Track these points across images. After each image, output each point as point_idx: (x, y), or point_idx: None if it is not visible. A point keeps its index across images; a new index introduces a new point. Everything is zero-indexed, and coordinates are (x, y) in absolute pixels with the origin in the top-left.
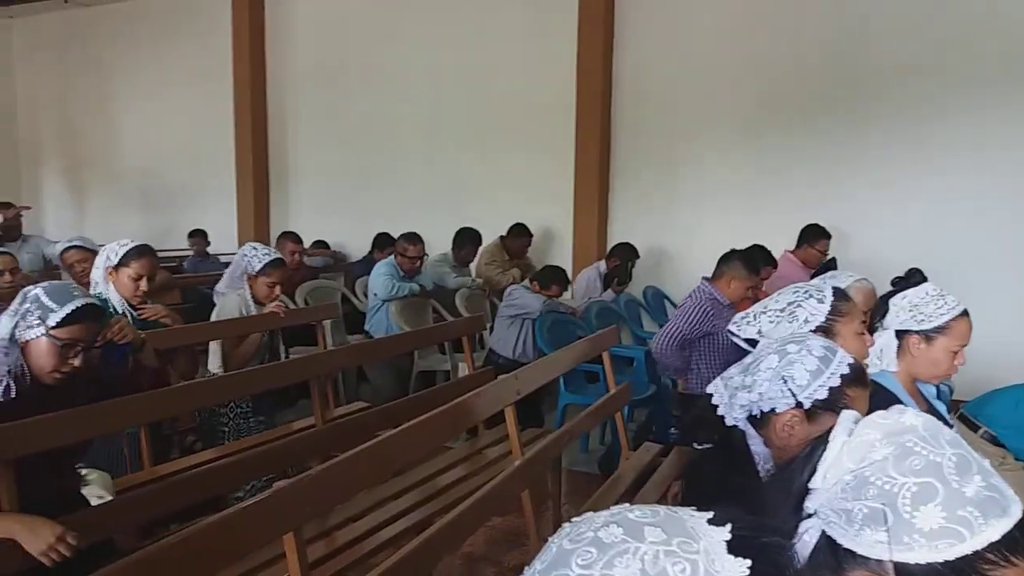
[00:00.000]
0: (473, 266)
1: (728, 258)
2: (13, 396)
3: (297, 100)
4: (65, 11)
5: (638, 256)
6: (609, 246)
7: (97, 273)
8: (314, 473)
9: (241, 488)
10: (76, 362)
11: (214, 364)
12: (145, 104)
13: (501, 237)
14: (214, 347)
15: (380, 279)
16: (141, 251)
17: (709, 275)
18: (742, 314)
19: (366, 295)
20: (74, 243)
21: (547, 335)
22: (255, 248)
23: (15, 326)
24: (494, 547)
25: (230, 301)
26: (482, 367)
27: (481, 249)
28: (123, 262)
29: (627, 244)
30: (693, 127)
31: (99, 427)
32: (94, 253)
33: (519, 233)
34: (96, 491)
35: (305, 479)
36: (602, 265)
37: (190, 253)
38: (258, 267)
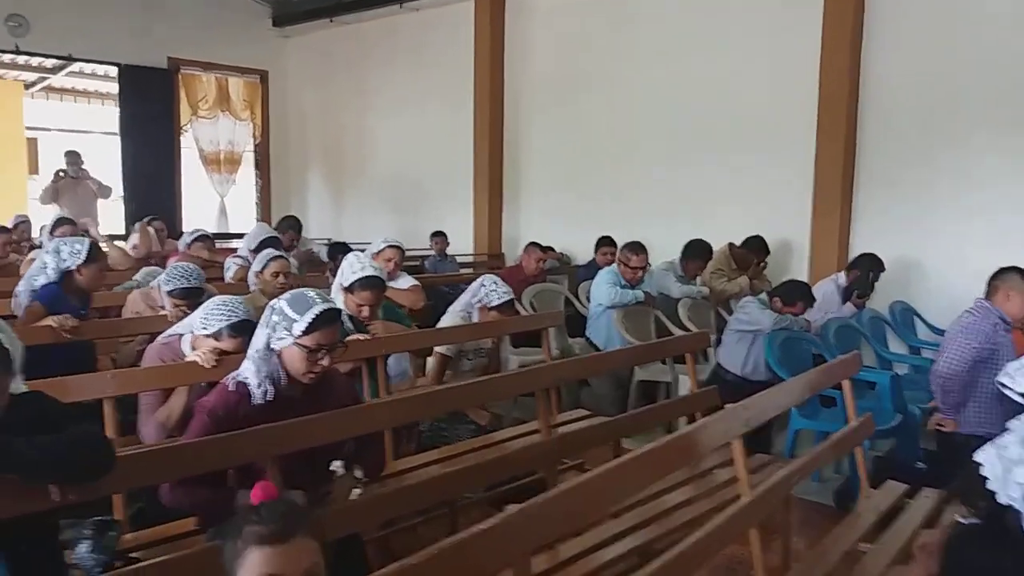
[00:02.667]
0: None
1: (1001, 271)
2: (271, 399)
3: (531, 110)
4: (330, 29)
5: (883, 268)
6: (851, 257)
7: (334, 286)
8: (541, 501)
9: (472, 491)
10: (325, 362)
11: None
12: (396, 114)
13: (730, 245)
14: (431, 361)
15: (603, 287)
16: (365, 284)
17: (980, 295)
18: (1017, 363)
19: (589, 299)
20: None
21: (778, 353)
22: (496, 284)
23: (268, 337)
24: None
25: (456, 323)
26: (707, 382)
27: None
28: (350, 288)
29: (870, 255)
30: (954, 131)
31: (350, 429)
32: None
33: (754, 247)
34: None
35: (533, 506)
36: (841, 277)
37: (431, 253)
38: (495, 303)
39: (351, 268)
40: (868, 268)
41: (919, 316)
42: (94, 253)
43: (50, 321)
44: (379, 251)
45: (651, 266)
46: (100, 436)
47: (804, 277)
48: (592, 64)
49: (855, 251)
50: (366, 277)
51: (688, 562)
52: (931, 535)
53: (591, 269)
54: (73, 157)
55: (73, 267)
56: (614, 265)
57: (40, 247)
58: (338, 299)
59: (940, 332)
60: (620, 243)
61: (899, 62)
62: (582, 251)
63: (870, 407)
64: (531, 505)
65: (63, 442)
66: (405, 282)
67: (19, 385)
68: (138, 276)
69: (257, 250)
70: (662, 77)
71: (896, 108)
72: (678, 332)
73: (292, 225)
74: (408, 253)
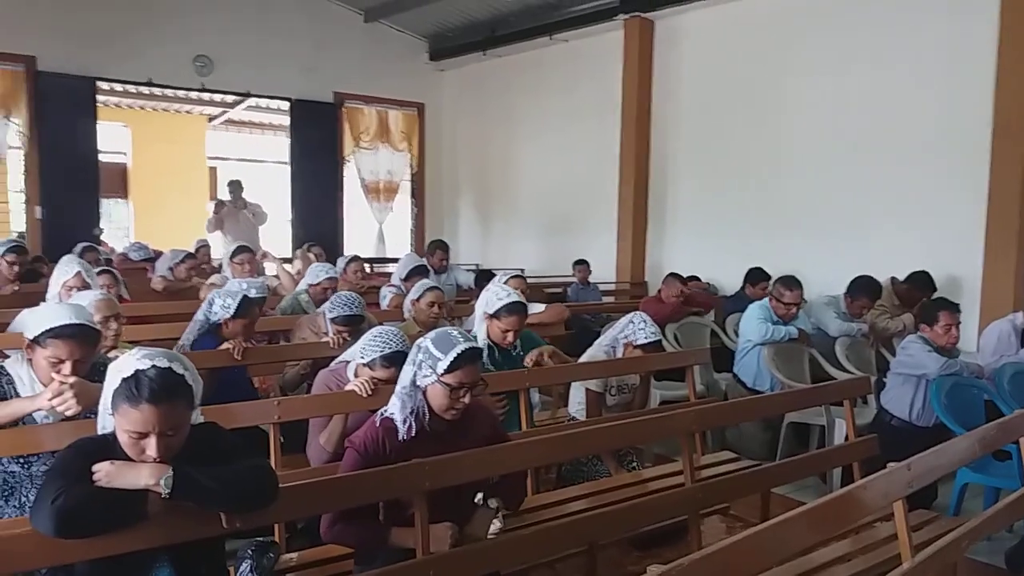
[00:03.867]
0: None
1: None
2: (415, 434)
3: (678, 136)
4: (483, 61)
5: None
6: None
7: (476, 314)
8: (687, 563)
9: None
10: (466, 400)
11: (574, 406)
12: (543, 142)
13: (893, 280)
14: (575, 394)
15: (753, 322)
16: (511, 310)
17: None
18: None
19: (736, 333)
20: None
21: (945, 400)
22: (645, 323)
23: (414, 374)
24: None
25: (600, 357)
26: (870, 426)
27: None
28: (496, 315)
29: None
30: None
31: (497, 467)
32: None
33: (919, 284)
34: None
35: (679, 569)
36: (1018, 317)
37: (574, 281)
38: (641, 341)
39: (496, 296)
40: None
41: None
42: (243, 309)
43: (227, 345)
44: (505, 281)
45: (805, 301)
46: (267, 470)
47: (975, 316)
48: (743, 87)
49: None
50: (512, 303)
51: None
52: None
53: (739, 301)
54: (234, 187)
55: (221, 320)
56: (765, 300)
57: (220, 270)
58: (480, 328)
59: None
60: (770, 273)
61: None
62: (730, 281)
63: None
64: (677, 567)
65: (235, 475)
66: (538, 307)
67: (197, 416)
68: (303, 279)
69: (407, 278)
70: (818, 98)
71: None
72: (833, 371)
73: (440, 246)
74: (551, 280)
